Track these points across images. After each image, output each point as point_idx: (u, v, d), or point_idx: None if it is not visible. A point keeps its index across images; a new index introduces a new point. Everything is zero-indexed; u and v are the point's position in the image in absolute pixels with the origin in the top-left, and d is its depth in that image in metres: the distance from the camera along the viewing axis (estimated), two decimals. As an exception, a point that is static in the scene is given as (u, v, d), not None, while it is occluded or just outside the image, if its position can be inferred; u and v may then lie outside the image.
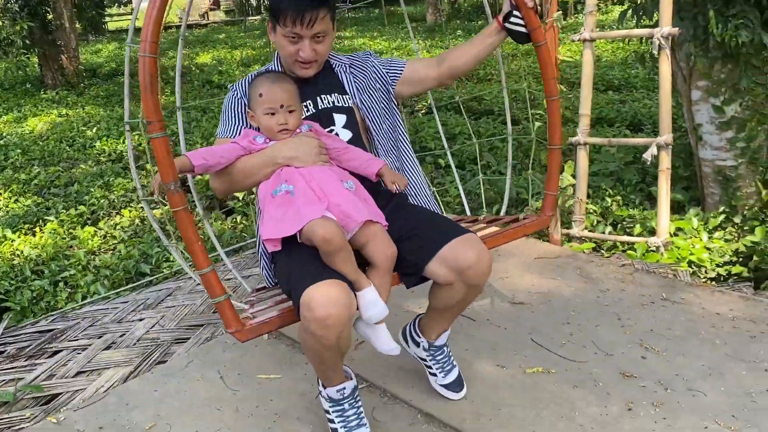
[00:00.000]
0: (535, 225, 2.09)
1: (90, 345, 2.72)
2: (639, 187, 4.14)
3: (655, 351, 2.32)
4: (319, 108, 2.05)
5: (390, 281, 1.83)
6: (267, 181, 1.87)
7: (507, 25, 2.00)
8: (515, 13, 1.97)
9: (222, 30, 19.43)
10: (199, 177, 5.39)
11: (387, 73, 2.17)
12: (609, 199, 3.89)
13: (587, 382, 2.18)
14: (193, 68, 11.89)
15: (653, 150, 3.22)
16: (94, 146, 6.92)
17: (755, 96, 3.52)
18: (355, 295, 1.73)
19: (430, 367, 2.16)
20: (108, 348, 2.69)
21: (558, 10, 3.03)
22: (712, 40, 3.37)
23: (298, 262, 1.76)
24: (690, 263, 3.14)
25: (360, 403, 1.98)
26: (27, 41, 10.05)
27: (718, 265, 3.16)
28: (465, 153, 5.40)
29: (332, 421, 1.96)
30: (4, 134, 7.83)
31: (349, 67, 2.15)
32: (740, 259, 3.19)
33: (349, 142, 2.02)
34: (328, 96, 2.07)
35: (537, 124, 3.65)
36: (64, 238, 4.57)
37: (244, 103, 2.02)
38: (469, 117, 6.81)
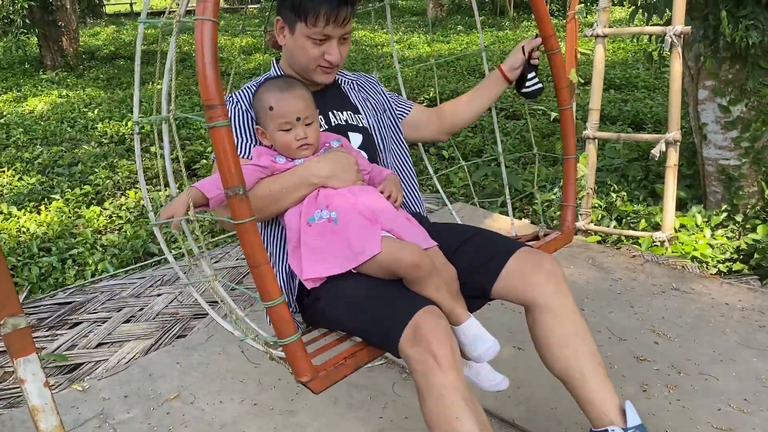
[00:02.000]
0: (560, 241, 1.98)
1: (110, 318, 2.75)
2: (643, 183, 4.22)
3: (667, 337, 2.40)
4: (333, 124, 1.81)
5: (456, 288, 1.57)
6: (297, 207, 1.59)
7: (524, 91, 1.93)
8: (529, 76, 1.90)
9: (221, 17, 19.32)
10: (206, 161, 5.43)
11: (396, 108, 2.01)
12: (614, 195, 3.97)
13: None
14: (193, 54, 11.85)
15: (661, 146, 3.29)
16: (96, 128, 6.92)
17: (761, 97, 3.61)
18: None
19: None
20: (128, 321, 2.73)
21: (580, 4, 3.09)
22: (722, 41, 3.44)
23: (371, 292, 1.48)
24: (693, 258, 3.22)
25: None
26: (27, 21, 9.99)
27: (719, 262, 3.24)
28: (468, 146, 5.46)
29: None
30: (5, 113, 7.80)
31: (357, 85, 1.97)
32: (741, 257, 3.28)
33: None
34: (341, 113, 1.85)
35: (553, 115, 3.70)
36: (70, 217, 4.59)
37: (252, 117, 1.70)
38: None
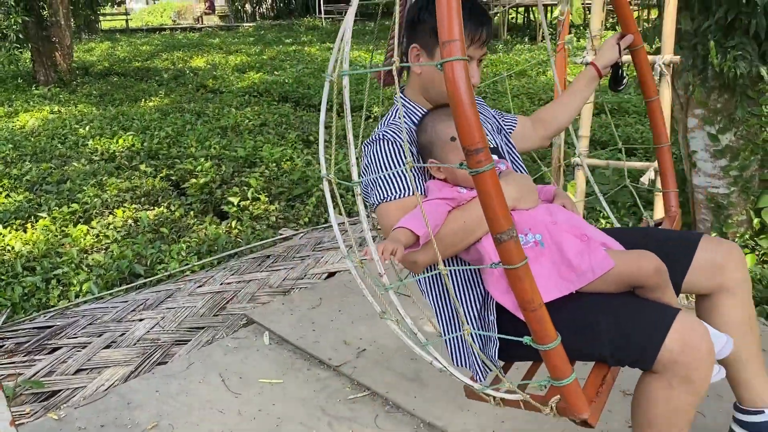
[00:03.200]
0: (673, 225, 2.04)
1: (90, 343, 2.71)
2: (632, 210, 4.22)
3: (653, 370, 2.37)
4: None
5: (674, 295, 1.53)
6: (485, 238, 1.50)
7: (618, 87, 2.01)
8: (621, 76, 1.98)
9: (216, 35, 19.44)
10: (196, 181, 5.40)
11: (505, 125, 1.94)
12: (603, 221, 3.96)
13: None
14: (188, 72, 11.88)
15: (650, 174, 3.29)
16: (87, 145, 6.89)
17: (749, 126, 3.62)
18: None
19: None
20: (108, 347, 2.68)
21: (570, 34, 3.10)
22: (711, 70, 3.47)
23: (604, 310, 1.42)
24: (682, 287, 3.20)
25: None
26: (21, 36, 10.00)
27: (709, 290, 3.23)
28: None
29: None
30: (-6, 128, 7.77)
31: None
32: (730, 285, 3.26)
33: None
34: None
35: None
36: (56, 236, 4.54)
37: (406, 158, 1.39)
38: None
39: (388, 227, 1.51)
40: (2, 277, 3.85)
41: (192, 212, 4.96)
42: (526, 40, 15.19)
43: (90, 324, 2.88)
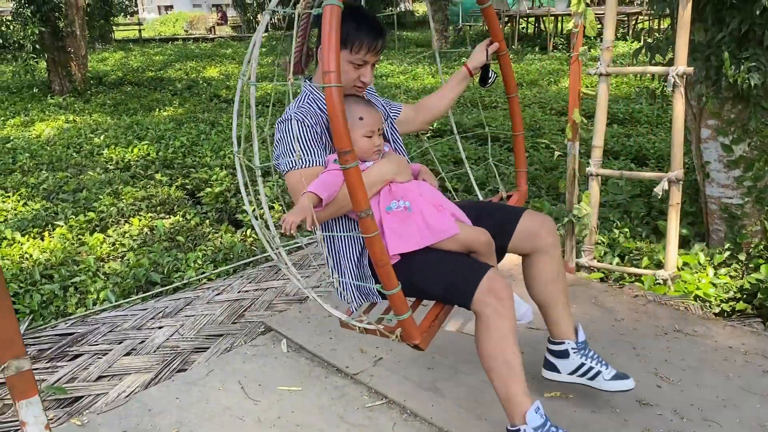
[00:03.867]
0: (519, 201, 2.54)
1: (110, 350, 2.75)
2: (645, 220, 4.22)
3: (669, 381, 2.38)
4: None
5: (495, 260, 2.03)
6: (374, 199, 1.94)
7: (487, 84, 2.44)
8: (489, 75, 2.42)
9: (229, 45, 19.58)
10: (211, 190, 5.45)
11: (390, 112, 2.33)
12: (617, 231, 3.97)
13: (605, 408, 2.24)
14: (201, 81, 11.98)
15: (664, 185, 3.30)
16: (102, 154, 6.97)
17: (763, 137, 3.63)
18: None
19: (590, 370, 2.15)
20: (128, 354, 2.72)
21: (583, 45, 3.13)
22: (724, 81, 3.48)
23: (444, 262, 1.90)
24: (696, 297, 3.21)
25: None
26: (37, 46, 10.13)
27: (722, 301, 3.23)
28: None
29: None
30: (12, 137, 7.86)
31: (370, 96, 2.26)
32: (744, 296, 3.26)
33: None
34: None
35: (556, 154, 3.73)
36: (73, 244, 4.60)
37: (319, 132, 1.98)
38: (474, 143, 6.91)
39: (294, 190, 1.90)
40: (21, 285, 3.90)
41: (207, 221, 5.00)
42: (537, 49, 15.21)
43: (110, 331, 2.92)
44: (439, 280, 1.89)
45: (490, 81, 2.43)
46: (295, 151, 1.92)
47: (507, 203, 2.48)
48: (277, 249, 1.92)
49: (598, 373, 2.14)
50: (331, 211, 1.89)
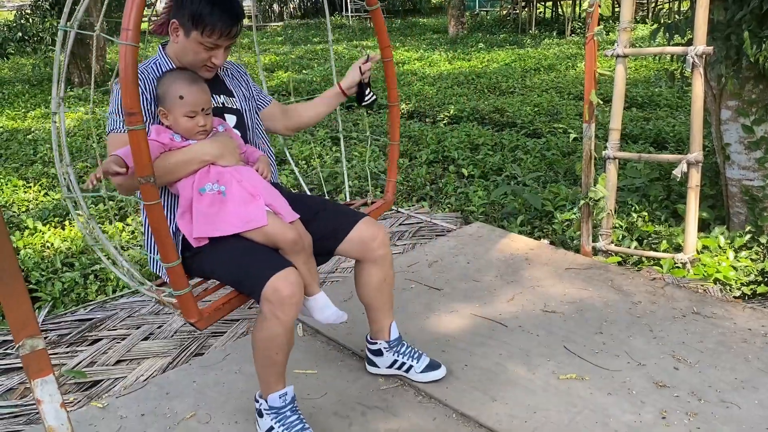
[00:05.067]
0: (383, 208, 2.56)
1: (129, 335, 2.78)
2: (664, 203, 4.17)
3: (687, 362, 2.36)
4: (212, 106, 2.10)
5: (314, 264, 2.04)
6: (189, 178, 1.91)
7: (364, 103, 2.37)
8: (366, 94, 2.35)
9: (244, 34, 19.61)
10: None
11: (257, 99, 2.32)
12: (635, 215, 3.93)
13: (621, 390, 2.22)
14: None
15: (683, 167, 3.26)
16: (121, 144, 7.03)
17: (786, 117, 3.56)
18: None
19: (403, 365, 2.34)
20: (146, 339, 2.75)
21: (599, 25, 3.08)
22: (745, 61, 3.41)
23: (245, 252, 1.88)
24: (716, 281, 3.16)
25: (299, 411, 2.05)
26: (55, 38, 10.22)
27: (743, 284, 3.18)
28: (488, 164, 5.45)
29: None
30: (33, 129, 7.97)
31: (230, 72, 2.25)
32: (766, 279, 3.21)
33: None
34: (218, 96, 2.14)
35: (572, 136, 3.68)
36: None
37: (148, 98, 1.97)
38: (491, 128, 6.87)
39: (110, 152, 1.88)
40: (43, 273, 3.96)
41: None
42: (554, 34, 15.04)
43: (128, 317, 2.95)
44: (235, 269, 1.90)
45: (366, 100, 2.37)
46: (119, 116, 1.91)
47: (367, 209, 2.53)
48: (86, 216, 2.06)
49: (411, 367, 2.33)
50: (134, 184, 1.82)
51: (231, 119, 2.15)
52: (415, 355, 2.34)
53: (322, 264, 2.16)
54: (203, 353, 2.62)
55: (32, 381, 1.28)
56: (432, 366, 2.33)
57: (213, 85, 2.12)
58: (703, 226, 3.78)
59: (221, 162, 1.93)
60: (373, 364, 2.39)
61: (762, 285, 3.15)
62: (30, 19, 10.41)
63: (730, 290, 3.14)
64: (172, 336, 2.77)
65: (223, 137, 1.99)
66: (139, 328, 2.84)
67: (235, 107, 2.18)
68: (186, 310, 1.81)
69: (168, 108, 1.92)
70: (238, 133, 2.13)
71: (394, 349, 2.34)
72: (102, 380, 2.46)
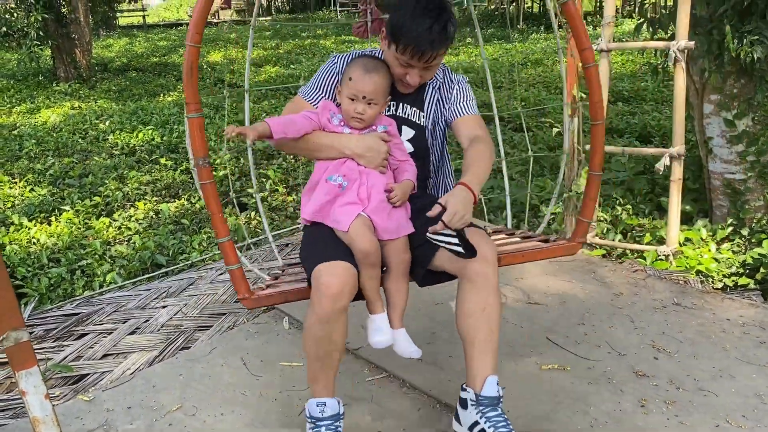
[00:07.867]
0: (562, 250, 2.10)
1: (115, 329, 2.79)
2: (648, 197, 4.22)
3: (666, 352, 2.40)
4: (397, 114, 2.08)
5: (405, 286, 1.91)
6: (327, 162, 1.93)
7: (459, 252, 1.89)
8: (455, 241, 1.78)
9: (232, 29, 19.53)
10: (216, 173, 5.48)
11: (456, 105, 2.09)
12: (619, 208, 3.97)
13: (601, 379, 2.26)
14: (205, 66, 11.98)
15: (666, 160, 3.30)
16: (107, 139, 7.01)
17: (767, 111, 3.61)
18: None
19: None
20: (132, 333, 2.76)
21: (585, 21, 3.11)
22: (727, 55, 3.45)
23: (321, 239, 1.89)
24: (698, 273, 3.21)
25: None
26: (41, 33, 10.15)
27: (725, 276, 3.23)
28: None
29: None
30: (18, 124, 7.91)
31: (439, 87, 2.11)
32: (747, 271, 3.27)
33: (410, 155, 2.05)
34: (409, 107, 2.08)
35: (555, 130, 3.72)
36: (80, 228, 4.65)
37: (338, 79, 2.04)
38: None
39: (284, 111, 2.02)
40: (29, 269, 3.95)
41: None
42: (542, 29, 15.09)
43: (115, 311, 2.96)
44: (306, 250, 1.93)
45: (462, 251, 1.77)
46: (311, 83, 2.06)
47: (545, 246, 2.12)
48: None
49: None
50: (290, 145, 1.93)
51: (408, 132, 2.08)
52: (508, 427, 1.76)
53: (420, 280, 1.94)
54: (189, 347, 2.64)
55: (17, 373, 1.30)
56: None
57: (411, 97, 2.08)
58: (687, 219, 3.83)
59: (359, 160, 1.91)
60: (457, 418, 1.88)
61: (743, 276, 3.20)
62: (15, 14, 10.32)
63: (711, 282, 3.18)
64: (159, 330, 2.77)
65: (373, 138, 1.94)
66: (125, 322, 2.85)
67: (420, 123, 2.09)
68: (236, 286, 1.89)
69: (341, 86, 1.96)
70: (410, 147, 2.06)
71: (481, 409, 1.79)
72: (88, 374, 2.47)
